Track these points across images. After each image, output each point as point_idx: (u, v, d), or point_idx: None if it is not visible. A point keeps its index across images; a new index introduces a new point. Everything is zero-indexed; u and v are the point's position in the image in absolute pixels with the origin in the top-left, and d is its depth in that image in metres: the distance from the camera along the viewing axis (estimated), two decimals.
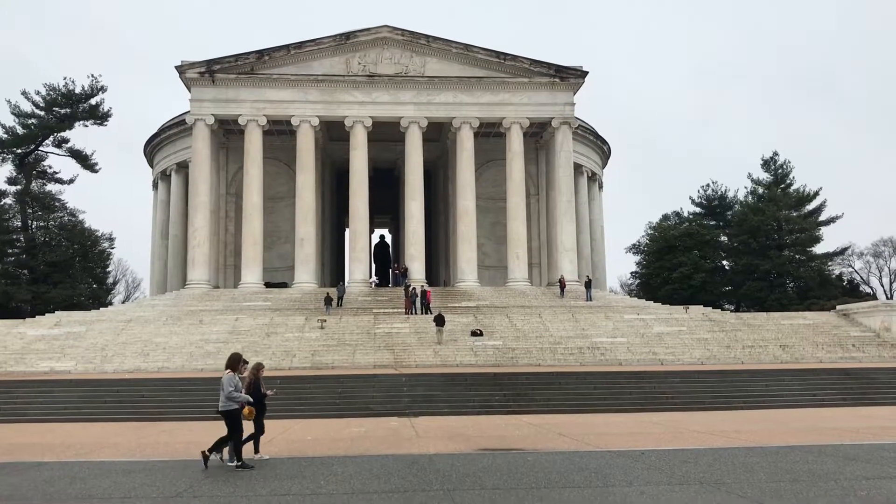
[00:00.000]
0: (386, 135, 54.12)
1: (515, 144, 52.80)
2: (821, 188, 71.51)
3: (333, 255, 65.32)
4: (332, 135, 57.02)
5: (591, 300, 48.14)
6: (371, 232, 64.10)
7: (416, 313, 42.88)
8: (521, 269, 52.03)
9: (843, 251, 73.21)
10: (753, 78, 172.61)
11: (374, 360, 34.24)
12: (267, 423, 20.85)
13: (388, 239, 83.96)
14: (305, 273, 50.37)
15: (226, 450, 13.04)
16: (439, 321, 37.38)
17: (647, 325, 40.97)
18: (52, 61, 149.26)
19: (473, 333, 38.06)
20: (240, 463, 12.63)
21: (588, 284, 50.11)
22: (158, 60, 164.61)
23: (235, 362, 13.56)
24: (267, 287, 50.54)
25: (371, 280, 57.54)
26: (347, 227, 59.02)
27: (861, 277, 77.02)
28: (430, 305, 43.52)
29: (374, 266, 69.49)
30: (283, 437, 17.29)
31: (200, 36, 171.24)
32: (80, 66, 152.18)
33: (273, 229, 55.29)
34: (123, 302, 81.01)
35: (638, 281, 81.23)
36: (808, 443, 15.00)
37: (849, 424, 18.60)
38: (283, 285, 51.67)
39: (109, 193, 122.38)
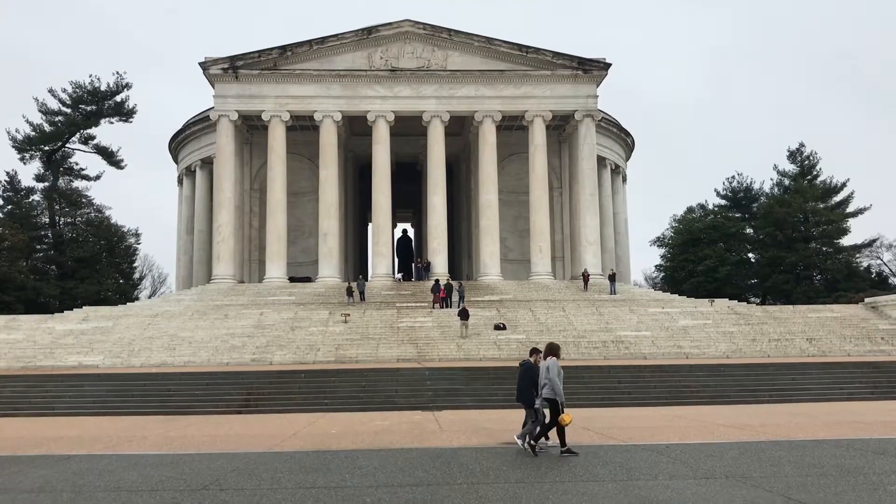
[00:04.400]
0: (408, 129, 54.19)
1: (538, 137, 52.60)
2: (848, 179, 70.96)
3: (357, 249, 65.53)
4: (355, 129, 57.16)
5: (615, 294, 47.89)
6: (394, 226, 64.21)
7: (449, 306, 42.57)
8: (545, 263, 51.88)
9: (871, 243, 72.18)
10: (777, 67, 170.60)
11: (397, 353, 34.33)
12: (292, 416, 21.16)
13: (411, 233, 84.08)
14: (329, 267, 50.61)
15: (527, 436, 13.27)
16: (463, 315, 37.43)
17: (671, 319, 40.69)
18: (74, 60, 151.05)
19: (497, 327, 38.04)
20: (533, 444, 12.88)
21: (612, 278, 49.84)
22: (180, 58, 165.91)
23: (558, 349, 13.19)
24: (291, 282, 50.90)
25: (397, 276, 57.76)
26: (370, 221, 59.18)
27: (890, 269, 75.67)
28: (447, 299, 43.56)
29: (396, 260, 69.68)
30: (308, 430, 17.40)
31: (222, 33, 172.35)
32: (103, 64, 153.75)
33: (297, 224, 55.58)
34: (150, 297, 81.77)
35: (662, 274, 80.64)
36: (836, 437, 14.82)
37: (877, 418, 18.34)
38: (307, 280, 51.98)
39: (135, 190, 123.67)
